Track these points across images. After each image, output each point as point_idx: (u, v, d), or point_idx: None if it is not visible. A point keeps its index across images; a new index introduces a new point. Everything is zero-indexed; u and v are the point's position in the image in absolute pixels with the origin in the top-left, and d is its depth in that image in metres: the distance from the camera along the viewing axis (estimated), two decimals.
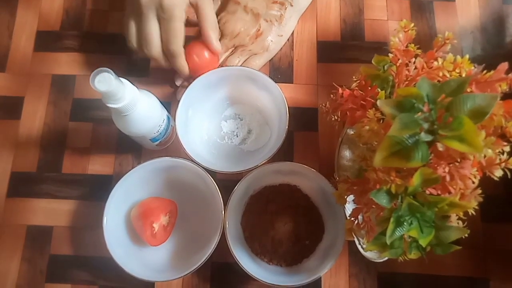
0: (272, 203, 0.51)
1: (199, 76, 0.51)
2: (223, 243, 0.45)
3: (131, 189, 0.49)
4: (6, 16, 0.60)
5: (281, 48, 0.58)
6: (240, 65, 0.55)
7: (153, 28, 0.47)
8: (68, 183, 0.54)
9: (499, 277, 0.50)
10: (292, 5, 0.57)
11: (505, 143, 0.31)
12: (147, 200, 0.50)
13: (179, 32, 0.47)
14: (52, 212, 0.53)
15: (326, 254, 0.47)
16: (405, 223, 0.31)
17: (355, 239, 0.44)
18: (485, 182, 0.31)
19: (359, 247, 0.45)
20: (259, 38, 0.55)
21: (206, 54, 0.50)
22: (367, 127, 0.34)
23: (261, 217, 0.50)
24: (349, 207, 0.45)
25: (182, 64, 0.50)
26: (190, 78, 0.52)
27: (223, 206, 0.46)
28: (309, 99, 0.56)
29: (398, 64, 0.36)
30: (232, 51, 0.56)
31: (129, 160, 0.55)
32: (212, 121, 0.55)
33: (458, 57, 0.34)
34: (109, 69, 0.37)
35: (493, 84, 0.32)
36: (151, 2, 0.46)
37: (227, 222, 0.46)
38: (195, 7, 0.49)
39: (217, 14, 0.54)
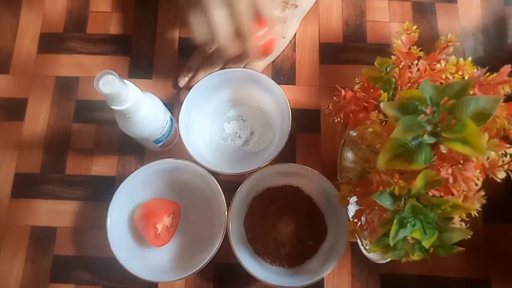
0: (275, 204, 0.51)
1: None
2: (226, 244, 0.46)
3: (134, 190, 0.49)
4: (10, 18, 0.61)
5: (284, 50, 0.59)
6: (243, 67, 0.55)
7: (222, 16, 0.45)
8: (71, 184, 0.54)
9: (501, 279, 0.50)
10: (297, 6, 0.57)
11: (508, 145, 0.31)
12: (150, 201, 0.50)
13: (249, 12, 0.45)
14: (55, 213, 0.53)
15: (329, 255, 0.47)
16: (408, 225, 0.31)
17: (358, 241, 0.44)
18: (488, 183, 0.31)
19: (361, 248, 0.45)
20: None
21: (264, 35, 0.49)
22: (370, 129, 0.34)
23: (264, 218, 0.50)
24: (351, 209, 0.45)
25: (253, 45, 0.47)
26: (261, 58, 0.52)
27: (226, 207, 0.47)
28: (312, 101, 0.57)
29: (400, 66, 0.36)
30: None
31: (132, 161, 0.55)
32: (215, 123, 0.55)
33: (461, 59, 0.34)
34: (113, 72, 0.38)
35: (496, 87, 0.32)
36: None
37: (230, 223, 0.47)
38: None
39: None
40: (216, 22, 0.45)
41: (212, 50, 0.56)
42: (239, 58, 0.54)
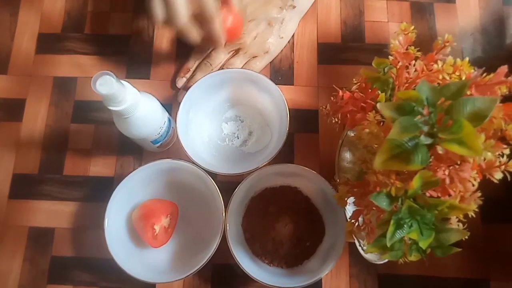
0: (273, 205, 0.51)
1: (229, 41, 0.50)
2: (224, 244, 0.45)
3: (132, 191, 0.49)
4: (8, 18, 0.61)
5: (282, 50, 0.58)
6: (241, 67, 0.55)
7: None
8: (69, 185, 0.54)
9: (500, 278, 0.50)
10: (294, 7, 0.57)
11: (505, 146, 0.31)
12: (148, 202, 0.50)
13: None
14: (53, 213, 0.53)
15: (327, 255, 0.47)
16: (405, 226, 0.31)
17: (356, 241, 0.44)
18: (486, 183, 0.31)
19: (359, 249, 0.45)
20: (259, 40, 0.56)
21: (230, 19, 0.49)
22: (367, 130, 0.34)
23: (262, 218, 0.50)
24: (349, 209, 0.45)
25: (219, 28, 0.47)
26: (221, 47, 0.51)
27: (223, 208, 0.47)
28: (310, 101, 0.57)
29: (398, 67, 0.36)
30: (233, 53, 0.56)
31: (130, 162, 0.55)
32: (213, 123, 0.55)
33: (458, 60, 0.34)
34: (110, 72, 0.38)
35: (493, 87, 0.32)
36: None
37: (227, 224, 0.47)
38: None
39: None
40: (174, 3, 0.44)
41: (210, 50, 0.56)
42: (204, 44, 0.52)
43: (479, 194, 0.30)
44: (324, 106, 0.41)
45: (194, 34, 0.48)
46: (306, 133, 0.55)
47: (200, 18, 0.46)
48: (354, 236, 0.39)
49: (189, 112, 0.51)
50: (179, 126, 0.49)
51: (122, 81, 0.40)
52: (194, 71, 0.56)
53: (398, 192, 0.30)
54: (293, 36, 0.59)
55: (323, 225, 0.50)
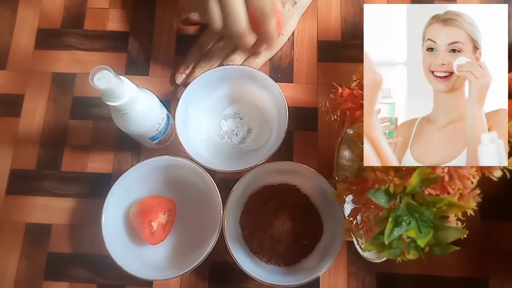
0: (271, 202, 0.50)
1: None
2: (221, 242, 0.45)
3: (130, 187, 0.49)
4: (7, 14, 0.61)
5: (282, 47, 0.58)
6: (241, 64, 0.55)
7: (238, 1, 0.43)
8: (67, 181, 0.54)
9: (499, 276, 0.50)
10: (296, 3, 0.57)
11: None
12: (146, 198, 0.50)
13: None
14: (51, 209, 0.53)
15: (325, 253, 0.47)
16: (403, 223, 0.31)
17: (354, 239, 0.44)
18: (485, 181, 0.31)
19: (357, 247, 0.44)
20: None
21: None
22: None
23: (260, 216, 0.50)
24: (348, 207, 0.45)
25: (275, 27, 0.46)
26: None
27: (221, 205, 0.46)
28: (309, 99, 0.56)
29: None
30: (233, 49, 0.56)
31: (129, 158, 0.55)
32: (212, 120, 0.55)
33: None
34: (108, 67, 0.37)
35: None
36: None
37: (225, 221, 0.46)
38: None
39: None
40: (233, 8, 0.43)
41: (209, 46, 0.56)
42: (256, 47, 0.51)
43: (478, 191, 0.30)
44: (323, 104, 0.41)
45: (251, 37, 0.47)
46: (305, 130, 0.55)
47: (259, 18, 0.45)
48: (352, 234, 0.38)
49: (188, 108, 0.51)
50: (178, 123, 0.48)
51: (120, 76, 0.40)
52: (194, 67, 0.56)
53: (397, 189, 0.30)
54: (293, 33, 0.59)
55: (321, 223, 0.50)
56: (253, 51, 0.55)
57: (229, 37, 0.47)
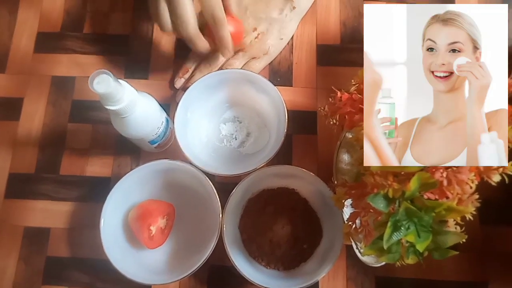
0: (270, 206, 0.50)
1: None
2: (220, 246, 0.45)
3: (129, 191, 0.49)
4: (7, 16, 0.61)
5: (281, 51, 0.58)
6: (240, 68, 0.55)
7: (187, 4, 0.44)
8: (66, 185, 0.54)
9: (498, 280, 0.50)
10: (295, 8, 0.57)
11: None
12: (145, 202, 0.50)
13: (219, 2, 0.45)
14: (49, 213, 0.53)
15: (324, 257, 0.47)
16: (402, 228, 0.30)
17: (353, 244, 0.44)
18: (484, 185, 0.31)
19: (356, 251, 0.44)
20: (258, 42, 0.56)
21: (231, 24, 0.49)
22: None
23: (259, 220, 0.50)
24: (347, 211, 0.45)
25: (228, 33, 0.47)
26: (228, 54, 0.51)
27: (220, 209, 0.46)
28: (309, 102, 0.56)
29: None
30: (233, 54, 0.56)
31: (128, 162, 0.55)
32: (211, 124, 0.55)
33: None
34: (107, 71, 0.37)
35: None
36: None
37: (224, 225, 0.46)
38: None
39: None
40: (182, 11, 0.44)
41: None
42: (212, 52, 0.52)
43: (476, 196, 0.30)
44: (322, 108, 0.41)
45: (202, 42, 0.48)
46: (304, 134, 0.55)
47: (208, 24, 0.46)
48: (351, 239, 0.38)
49: (187, 112, 0.51)
50: (177, 127, 0.48)
51: (119, 80, 0.40)
52: (193, 71, 0.56)
53: (396, 194, 0.30)
54: (292, 37, 0.59)
55: (320, 227, 0.50)
56: (213, 58, 0.55)
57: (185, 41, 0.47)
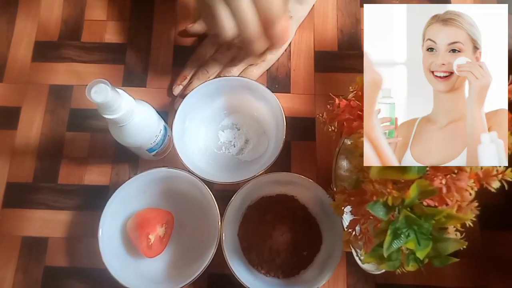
0: (270, 213, 0.50)
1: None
2: (220, 254, 0.45)
3: (128, 200, 0.49)
4: (5, 26, 0.61)
5: (279, 58, 0.58)
6: (238, 75, 0.55)
7: (248, 5, 0.42)
8: (64, 193, 0.53)
9: (498, 286, 0.50)
10: (291, 17, 0.57)
11: None
12: (144, 210, 0.50)
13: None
14: (47, 222, 0.52)
15: (324, 265, 0.47)
16: (402, 235, 0.30)
17: (353, 251, 0.44)
18: (483, 190, 0.31)
19: (356, 259, 0.44)
20: None
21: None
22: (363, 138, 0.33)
23: (259, 227, 0.50)
24: (347, 218, 0.45)
25: (281, 29, 0.45)
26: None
27: (219, 217, 0.46)
28: (307, 109, 0.56)
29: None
30: (230, 60, 0.56)
31: (126, 170, 0.54)
32: (209, 131, 0.55)
33: None
34: (105, 80, 0.37)
35: None
36: None
37: (223, 233, 0.46)
38: None
39: None
40: (244, 14, 0.42)
41: (207, 58, 0.56)
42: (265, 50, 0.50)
43: (476, 204, 0.30)
44: (320, 114, 0.41)
45: (264, 42, 0.46)
46: (303, 141, 0.55)
47: (271, 20, 0.44)
48: (351, 246, 0.38)
49: (185, 120, 0.51)
50: (175, 134, 0.48)
51: (117, 89, 0.40)
52: (191, 78, 0.56)
53: (395, 202, 0.30)
54: (290, 44, 0.59)
55: (320, 234, 0.50)
56: (260, 57, 0.54)
57: (241, 44, 0.46)
